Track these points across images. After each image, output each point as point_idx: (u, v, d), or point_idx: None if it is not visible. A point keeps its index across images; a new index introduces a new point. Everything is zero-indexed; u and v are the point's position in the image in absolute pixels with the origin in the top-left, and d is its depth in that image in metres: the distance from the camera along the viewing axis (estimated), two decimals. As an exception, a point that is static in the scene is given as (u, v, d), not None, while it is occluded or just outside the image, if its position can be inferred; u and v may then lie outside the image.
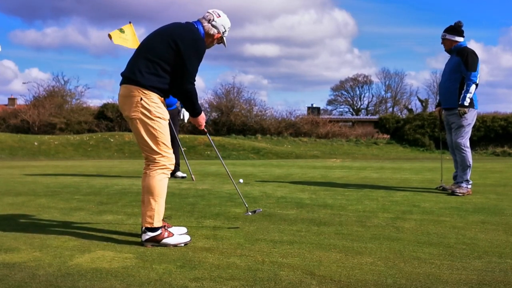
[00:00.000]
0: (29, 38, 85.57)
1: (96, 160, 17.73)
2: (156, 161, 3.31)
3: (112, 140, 23.07)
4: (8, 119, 31.09)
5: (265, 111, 33.87)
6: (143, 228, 3.27)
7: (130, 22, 8.28)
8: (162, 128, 3.30)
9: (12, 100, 44.39)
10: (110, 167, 11.05)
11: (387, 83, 57.32)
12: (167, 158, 3.32)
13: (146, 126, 3.26)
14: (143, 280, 2.47)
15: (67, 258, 2.87)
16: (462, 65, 5.67)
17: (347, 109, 57.87)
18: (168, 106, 7.66)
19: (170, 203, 4.90)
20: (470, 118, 5.76)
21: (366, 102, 57.54)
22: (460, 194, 5.56)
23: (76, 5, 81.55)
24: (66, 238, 3.38)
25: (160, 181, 3.32)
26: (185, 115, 7.96)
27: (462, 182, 5.72)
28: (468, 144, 5.80)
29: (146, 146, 3.31)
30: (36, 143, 21.90)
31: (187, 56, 3.28)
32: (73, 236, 3.44)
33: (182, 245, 3.21)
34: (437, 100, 6.36)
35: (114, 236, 3.45)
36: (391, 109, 54.83)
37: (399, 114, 44.10)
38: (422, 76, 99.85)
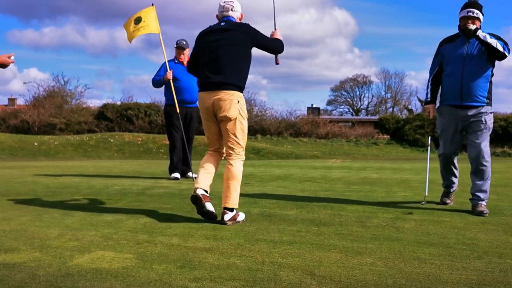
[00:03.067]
0: (26, 38, 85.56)
1: (96, 160, 17.73)
2: (239, 153, 4.07)
3: (112, 140, 23.07)
4: (8, 119, 31.07)
5: (265, 111, 33.89)
6: (224, 208, 3.94)
7: (152, 5, 7.50)
8: (247, 127, 4.13)
9: (12, 101, 44.40)
10: (110, 167, 11.05)
11: (387, 83, 57.37)
12: (244, 151, 4.14)
13: (240, 124, 4.02)
14: (143, 281, 2.47)
15: (67, 259, 2.87)
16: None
17: (347, 110, 57.95)
18: (190, 103, 7.64)
19: (170, 203, 4.90)
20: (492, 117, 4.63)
21: (366, 103, 57.61)
22: (487, 215, 4.35)
23: (73, 4, 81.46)
24: (66, 239, 3.38)
25: (241, 169, 4.10)
26: None
27: (483, 200, 4.51)
28: None
29: (234, 141, 4.05)
30: (36, 144, 21.91)
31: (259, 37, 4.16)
32: (73, 236, 3.44)
33: (241, 222, 3.94)
34: (429, 95, 4.89)
35: (114, 236, 3.45)
36: (391, 109, 54.88)
37: (399, 114, 44.11)
38: (422, 76, 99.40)
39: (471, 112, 4.51)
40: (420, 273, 2.63)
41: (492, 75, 4.58)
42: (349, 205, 4.86)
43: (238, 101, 3.97)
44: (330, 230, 3.70)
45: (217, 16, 4.25)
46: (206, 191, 3.97)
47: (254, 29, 4.11)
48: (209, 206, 3.92)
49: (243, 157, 4.11)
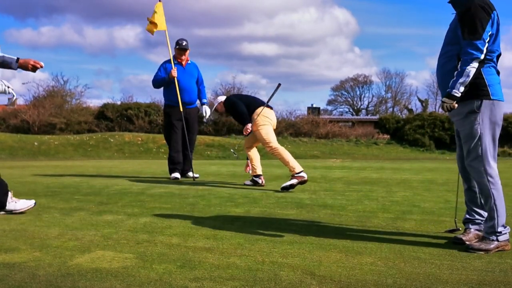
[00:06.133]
0: (24, 37, 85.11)
1: (96, 160, 17.73)
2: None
3: (112, 140, 23.07)
4: (8, 119, 31.05)
5: (265, 111, 33.78)
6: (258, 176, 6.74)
7: (160, 0, 7.58)
8: None
9: (12, 100, 44.36)
10: (110, 167, 11.05)
11: (387, 83, 57.33)
12: None
13: None
14: (143, 280, 2.47)
15: (67, 258, 2.87)
16: (458, 29, 3.21)
17: (347, 109, 57.93)
18: (189, 103, 7.67)
19: (170, 203, 4.91)
20: (488, 117, 3.19)
21: (366, 102, 57.58)
22: (482, 252, 3.06)
23: (70, 3, 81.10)
24: (66, 238, 3.38)
25: None
26: (207, 111, 7.83)
27: (491, 234, 3.12)
28: (492, 168, 3.37)
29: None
30: (36, 143, 21.91)
31: None
32: (73, 236, 3.44)
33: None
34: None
35: (114, 236, 3.45)
36: (391, 109, 54.84)
37: (399, 114, 44.07)
38: (422, 76, 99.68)
39: (452, 112, 3.26)
40: (420, 273, 2.63)
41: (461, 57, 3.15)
42: (349, 205, 4.86)
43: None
44: (330, 230, 3.70)
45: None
46: None
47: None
48: None
49: None
